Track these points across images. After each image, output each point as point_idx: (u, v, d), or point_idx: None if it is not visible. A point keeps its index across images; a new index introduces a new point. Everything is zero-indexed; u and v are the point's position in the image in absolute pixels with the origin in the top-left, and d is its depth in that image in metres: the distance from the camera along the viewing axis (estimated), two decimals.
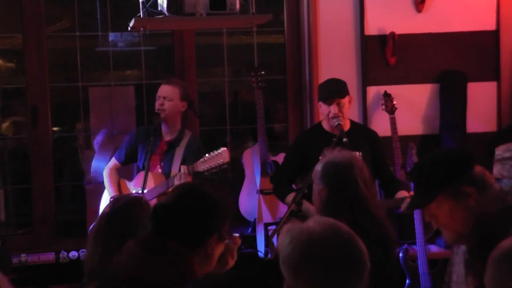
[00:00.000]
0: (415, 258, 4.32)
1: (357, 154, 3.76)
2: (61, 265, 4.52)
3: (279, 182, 4.22)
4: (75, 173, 5.19)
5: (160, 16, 3.60)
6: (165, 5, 3.52)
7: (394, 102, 4.67)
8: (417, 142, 4.58)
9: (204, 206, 2.17)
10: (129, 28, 3.77)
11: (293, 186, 4.22)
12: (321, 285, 1.74)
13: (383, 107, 4.70)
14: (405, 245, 4.40)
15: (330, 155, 2.98)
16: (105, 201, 4.39)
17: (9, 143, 5.11)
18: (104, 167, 4.53)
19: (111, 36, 5.01)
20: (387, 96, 4.70)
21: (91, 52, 5.12)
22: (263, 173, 4.60)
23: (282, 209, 4.49)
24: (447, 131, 4.82)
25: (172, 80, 4.42)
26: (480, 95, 4.90)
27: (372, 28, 4.81)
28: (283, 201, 4.16)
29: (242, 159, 4.77)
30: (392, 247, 2.90)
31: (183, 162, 4.17)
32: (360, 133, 4.16)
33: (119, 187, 4.34)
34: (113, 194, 4.28)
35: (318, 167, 2.90)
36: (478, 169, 2.26)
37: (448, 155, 2.34)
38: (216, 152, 3.83)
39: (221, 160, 3.81)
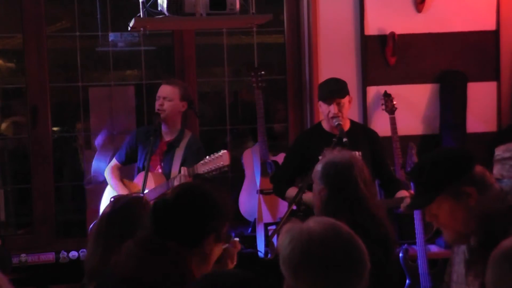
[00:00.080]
0: (415, 258, 4.32)
1: (357, 154, 3.76)
2: (61, 265, 4.52)
3: (279, 182, 4.21)
4: (75, 173, 5.19)
5: (160, 16, 3.60)
6: (165, 5, 3.52)
7: (394, 102, 4.67)
8: (417, 142, 4.58)
9: (203, 205, 2.17)
10: (129, 28, 3.77)
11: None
12: (321, 285, 1.74)
13: (383, 107, 4.70)
14: (405, 245, 4.40)
15: (330, 155, 2.98)
16: (105, 201, 4.39)
17: (9, 143, 5.11)
18: (104, 167, 4.54)
19: (111, 36, 5.01)
20: (387, 96, 4.70)
21: (91, 52, 5.12)
22: (263, 173, 4.60)
23: (282, 209, 4.49)
24: (447, 131, 4.82)
25: (172, 80, 4.42)
26: (480, 95, 4.90)
27: (372, 28, 4.81)
28: (283, 198, 4.16)
29: (242, 159, 4.77)
30: (392, 247, 2.90)
31: (183, 163, 4.18)
32: (360, 133, 4.16)
33: (124, 185, 4.35)
34: (119, 190, 4.29)
35: (318, 167, 2.90)
36: (478, 169, 2.26)
37: (448, 155, 2.34)
38: (216, 155, 3.83)
39: (222, 163, 3.81)
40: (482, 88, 4.91)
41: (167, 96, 4.26)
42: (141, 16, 3.59)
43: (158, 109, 4.25)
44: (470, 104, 4.87)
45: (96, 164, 4.94)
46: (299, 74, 4.94)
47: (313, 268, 1.74)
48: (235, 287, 1.69)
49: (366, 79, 4.81)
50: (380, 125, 4.67)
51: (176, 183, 3.91)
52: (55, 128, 4.99)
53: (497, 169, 3.39)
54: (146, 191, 4.00)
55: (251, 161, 4.70)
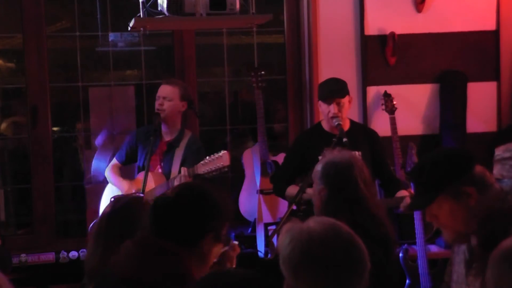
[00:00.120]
0: (415, 258, 4.32)
1: (357, 154, 3.76)
2: (61, 265, 4.52)
3: (279, 182, 4.21)
4: (75, 173, 5.19)
5: (160, 16, 3.60)
6: (165, 5, 3.52)
7: (394, 102, 4.67)
8: (417, 142, 4.57)
9: (203, 204, 2.18)
10: (129, 28, 3.78)
11: None
12: (321, 285, 1.74)
13: (383, 107, 4.70)
14: (405, 245, 4.40)
15: (330, 155, 2.98)
16: (105, 200, 4.40)
17: (9, 143, 5.11)
18: (104, 167, 4.54)
19: (111, 36, 5.01)
20: (387, 96, 4.70)
21: (91, 52, 5.12)
22: (263, 173, 4.60)
23: (282, 209, 4.49)
24: (447, 131, 4.82)
25: (172, 80, 4.42)
26: (480, 95, 4.90)
27: (372, 28, 4.81)
28: (283, 197, 4.16)
29: (242, 159, 4.77)
30: (392, 247, 2.90)
31: (183, 162, 4.18)
32: (360, 133, 4.16)
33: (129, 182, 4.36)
34: (120, 186, 4.29)
35: (318, 167, 2.90)
36: (478, 169, 2.26)
37: (448, 155, 2.34)
38: (216, 155, 3.83)
39: (222, 163, 3.81)
40: (482, 88, 4.91)
41: (167, 96, 4.26)
42: (141, 16, 3.59)
43: (158, 109, 4.26)
44: (470, 104, 4.87)
45: (96, 163, 4.94)
46: (299, 74, 4.94)
47: (313, 268, 1.74)
48: (240, 286, 1.69)
49: (366, 79, 4.81)
50: (380, 125, 4.67)
51: (176, 183, 3.91)
52: (55, 128, 4.99)
53: (497, 169, 3.39)
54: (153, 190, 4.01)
55: (251, 161, 4.70)
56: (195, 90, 4.88)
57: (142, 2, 3.57)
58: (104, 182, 4.53)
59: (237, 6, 3.55)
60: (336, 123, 3.97)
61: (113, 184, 4.39)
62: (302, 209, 3.40)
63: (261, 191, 4.59)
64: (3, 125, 5.03)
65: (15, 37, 4.97)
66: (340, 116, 3.99)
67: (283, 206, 4.50)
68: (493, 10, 4.90)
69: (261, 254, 4.42)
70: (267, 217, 4.53)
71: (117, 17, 4.91)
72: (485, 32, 4.90)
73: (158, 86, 4.37)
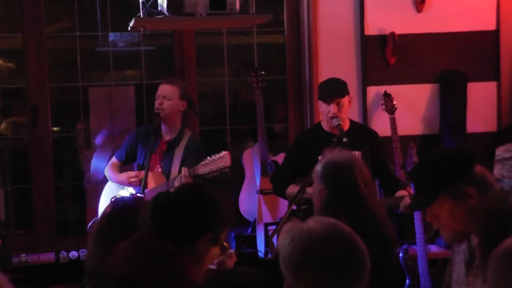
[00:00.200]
0: (415, 258, 4.32)
1: (357, 154, 3.76)
2: (61, 265, 4.52)
3: (279, 182, 4.21)
4: (75, 173, 5.19)
5: (160, 16, 3.60)
6: (165, 5, 3.52)
7: (394, 102, 4.67)
8: (417, 142, 4.57)
9: (203, 202, 2.18)
10: (129, 28, 3.78)
11: None
12: (321, 285, 1.74)
13: (383, 107, 4.70)
14: (405, 245, 4.40)
15: (330, 155, 2.98)
16: (103, 199, 4.40)
17: (9, 143, 5.11)
18: (103, 166, 4.54)
19: (111, 36, 5.01)
20: (387, 96, 4.70)
21: (91, 52, 5.12)
22: (263, 173, 4.60)
23: (282, 209, 4.50)
24: (447, 131, 4.82)
25: (171, 80, 4.42)
26: (480, 95, 4.90)
27: (372, 28, 4.81)
28: (284, 197, 4.16)
29: (242, 159, 4.77)
30: (392, 247, 2.89)
31: (182, 162, 4.18)
32: (360, 133, 4.16)
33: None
34: (121, 178, 4.29)
35: (318, 167, 2.90)
36: (478, 169, 2.25)
37: (448, 155, 2.34)
38: (217, 156, 3.83)
39: (222, 164, 3.82)
40: (482, 88, 4.91)
41: (167, 95, 4.26)
42: (141, 16, 3.60)
43: (158, 108, 4.26)
44: (470, 104, 4.87)
45: (95, 162, 4.94)
46: (299, 74, 4.94)
47: (313, 268, 1.74)
48: (250, 286, 1.69)
49: (366, 79, 4.81)
50: (380, 125, 4.67)
51: (176, 183, 3.91)
52: (55, 128, 4.99)
53: (497, 169, 3.40)
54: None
55: (251, 161, 4.70)
56: (195, 90, 4.88)
57: (142, 2, 3.57)
58: (104, 181, 4.54)
59: (237, 6, 3.55)
60: (336, 123, 3.97)
61: (112, 180, 4.39)
62: (302, 209, 3.40)
63: (261, 191, 4.59)
64: (3, 125, 5.03)
65: (15, 37, 4.97)
66: (340, 116, 3.99)
67: (283, 206, 4.50)
68: (493, 10, 4.90)
69: (261, 254, 4.42)
70: (267, 217, 4.53)
71: (117, 17, 4.91)
72: (485, 32, 4.91)
73: (158, 86, 4.37)
